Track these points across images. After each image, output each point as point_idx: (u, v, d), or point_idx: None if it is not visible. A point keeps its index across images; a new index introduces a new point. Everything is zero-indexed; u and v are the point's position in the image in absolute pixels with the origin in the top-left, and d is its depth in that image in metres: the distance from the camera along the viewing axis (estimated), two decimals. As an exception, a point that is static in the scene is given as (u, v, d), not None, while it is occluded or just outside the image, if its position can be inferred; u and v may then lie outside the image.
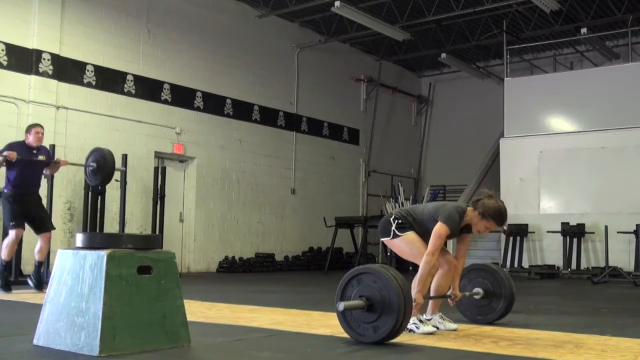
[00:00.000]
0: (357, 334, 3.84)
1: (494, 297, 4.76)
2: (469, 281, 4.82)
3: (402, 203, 13.93)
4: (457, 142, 17.28)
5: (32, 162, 7.03)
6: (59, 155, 9.58)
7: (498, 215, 4.22)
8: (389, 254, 12.66)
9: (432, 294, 4.42)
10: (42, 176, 7.35)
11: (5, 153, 6.74)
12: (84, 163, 7.74)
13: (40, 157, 7.13)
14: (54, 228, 7.36)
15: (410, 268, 4.61)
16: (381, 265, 3.94)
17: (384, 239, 4.44)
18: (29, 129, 7.12)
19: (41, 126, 7.17)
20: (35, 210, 7.07)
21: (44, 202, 7.72)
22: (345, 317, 3.87)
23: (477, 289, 4.76)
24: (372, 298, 3.74)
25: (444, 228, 4.16)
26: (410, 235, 4.31)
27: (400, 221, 4.34)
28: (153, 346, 3.39)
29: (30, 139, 7.03)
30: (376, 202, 15.62)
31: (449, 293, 4.44)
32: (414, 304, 3.92)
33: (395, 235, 4.34)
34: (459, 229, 4.33)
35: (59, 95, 10.18)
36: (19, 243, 7.85)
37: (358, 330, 3.83)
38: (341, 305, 3.74)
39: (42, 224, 7.12)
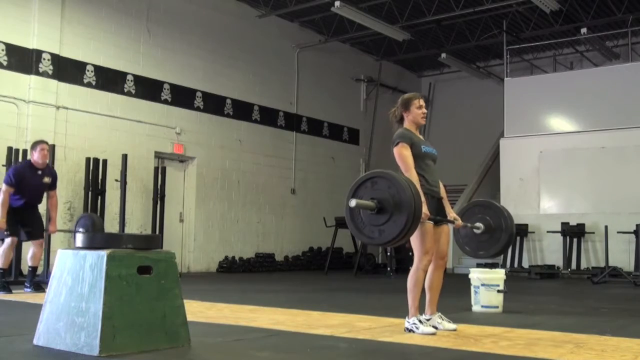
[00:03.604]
0: (363, 234, 3.86)
1: (494, 231, 4.70)
2: (470, 217, 4.76)
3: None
4: (457, 142, 17.27)
5: (35, 185, 7.06)
6: (58, 154, 9.63)
7: (410, 96, 4.44)
8: (388, 253, 12.66)
9: (427, 290, 4.40)
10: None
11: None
12: (73, 228, 7.84)
13: (45, 180, 7.13)
14: (43, 237, 7.37)
15: (410, 254, 4.58)
16: (395, 172, 3.96)
17: None
18: (34, 146, 7.06)
19: (46, 143, 7.12)
20: (31, 220, 7.13)
21: (45, 202, 7.71)
22: (353, 218, 3.87)
23: (478, 224, 4.71)
24: (383, 202, 3.74)
25: (397, 147, 4.25)
26: (429, 225, 4.23)
27: None
28: (153, 346, 3.39)
29: (36, 157, 6.99)
30: (376, 202, 15.61)
31: (449, 218, 4.43)
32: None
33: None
34: (420, 137, 4.40)
35: (59, 95, 10.18)
36: (18, 245, 7.86)
37: (364, 231, 3.85)
38: (353, 202, 3.74)
39: (35, 232, 7.17)
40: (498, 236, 4.67)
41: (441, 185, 4.49)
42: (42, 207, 7.43)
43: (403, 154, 4.24)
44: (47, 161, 7.21)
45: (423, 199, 4.05)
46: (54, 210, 7.33)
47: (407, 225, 3.68)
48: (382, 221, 3.75)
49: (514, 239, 4.75)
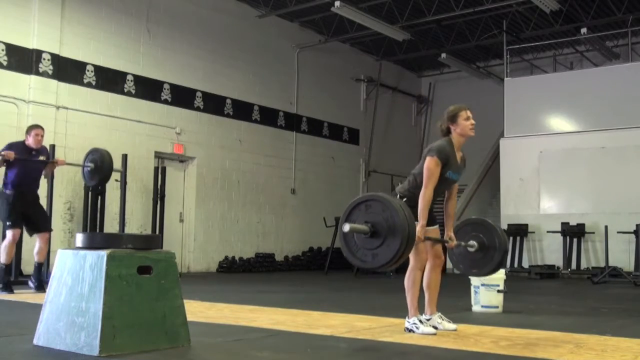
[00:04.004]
0: (356, 258, 3.84)
1: (488, 249, 4.70)
2: (464, 235, 4.74)
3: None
4: (457, 142, 17.24)
5: (31, 162, 7.01)
6: (58, 155, 9.62)
7: (456, 108, 4.35)
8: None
9: (425, 289, 4.39)
10: (42, 176, 7.34)
11: (3, 152, 6.74)
12: (82, 163, 7.76)
13: (41, 158, 7.13)
14: (51, 229, 7.34)
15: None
16: (390, 196, 3.93)
17: None
18: (29, 130, 7.09)
19: (41, 128, 7.13)
20: (33, 210, 7.02)
21: (44, 202, 7.72)
22: (346, 241, 3.86)
23: (472, 242, 4.71)
24: (377, 225, 3.73)
25: (432, 160, 4.19)
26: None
27: (405, 200, 4.32)
28: (153, 346, 3.39)
29: (30, 141, 7.02)
30: (376, 202, 15.59)
31: (445, 238, 4.42)
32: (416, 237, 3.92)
33: None
34: (457, 161, 4.33)
35: (59, 95, 10.18)
36: (18, 243, 7.85)
37: (357, 255, 3.84)
38: (347, 226, 3.72)
39: (40, 224, 7.07)
40: (492, 255, 4.67)
41: (452, 204, 4.47)
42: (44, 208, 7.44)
43: (431, 169, 4.18)
44: (41, 146, 7.19)
45: (422, 222, 4.09)
46: (53, 169, 7.43)
47: (401, 249, 3.66)
48: (375, 245, 3.74)
49: (507, 252, 4.74)
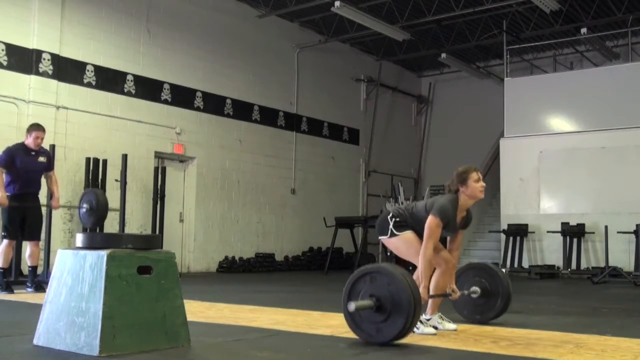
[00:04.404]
0: (360, 330, 3.83)
1: (491, 295, 4.75)
2: (466, 280, 4.81)
3: (402, 203, 13.94)
4: (457, 142, 17.26)
5: (30, 163, 7.03)
6: (58, 155, 9.62)
7: (466, 169, 4.32)
8: (389, 254, 12.65)
9: (431, 292, 4.41)
10: (42, 177, 7.36)
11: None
12: (78, 204, 7.85)
13: (41, 159, 7.15)
14: (39, 239, 7.37)
15: (410, 268, 4.57)
16: (395, 267, 3.90)
17: (382, 238, 4.45)
18: (29, 130, 7.09)
19: (42, 130, 7.11)
20: (30, 217, 7.09)
21: (44, 202, 7.72)
22: (351, 315, 3.86)
23: (475, 288, 4.75)
24: (382, 299, 3.71)
25: (434, 220, 4.17)
26: (408, 234, 4.31)
27: (398, 219, 4.34)
28: (153, 346, 3.39)
29: (29, 141, 7.04)
30: (376, 202, 15.62)
31: (448, 290, 4.44)
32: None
33: (393, 234, 4.34)
34: (456, 222, 4.31)
35: (59, 95, 10.18)
36: (17, 244, 7.87)
37: (362, 327, 3.82)
38: (352, 306, 3.71)
39: (32, 233, 7.15)
40: (494, 302, 4.73)
41: (455, 255, 4.45)
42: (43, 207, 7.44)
43: (432, 229, 4.17)
44: (40, 147, 7.19)
45: (425, 282, 4.10)
46: (55, 187, 7.32)
47: (406, 327, 3.67)
48: (380, 319, 3.73)
49: (511, 297, 4.79)
